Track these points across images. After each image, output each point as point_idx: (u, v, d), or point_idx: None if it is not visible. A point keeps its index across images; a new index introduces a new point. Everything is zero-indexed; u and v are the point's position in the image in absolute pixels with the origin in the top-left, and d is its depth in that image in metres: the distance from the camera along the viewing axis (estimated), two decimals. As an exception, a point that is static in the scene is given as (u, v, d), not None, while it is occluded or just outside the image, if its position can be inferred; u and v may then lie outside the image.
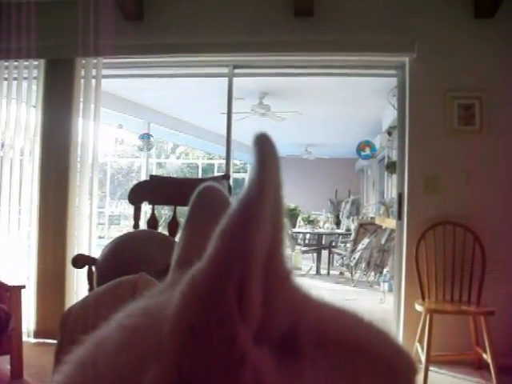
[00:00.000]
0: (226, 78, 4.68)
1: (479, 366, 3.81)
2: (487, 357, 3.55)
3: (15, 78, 4.69)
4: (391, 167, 6.92)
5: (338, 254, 10.10)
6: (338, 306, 0.41)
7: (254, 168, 0.34)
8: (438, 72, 4.19)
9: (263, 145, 0.35)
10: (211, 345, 0.32)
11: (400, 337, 4.16)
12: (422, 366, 3.49)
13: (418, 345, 3.81)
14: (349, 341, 0.38)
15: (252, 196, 0.33)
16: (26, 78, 4.68)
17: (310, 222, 11.20)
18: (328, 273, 9.72)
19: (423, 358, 3.55)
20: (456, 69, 4.17)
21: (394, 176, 5.76)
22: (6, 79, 4.72)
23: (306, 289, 0.41)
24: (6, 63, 4.69)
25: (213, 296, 0.32)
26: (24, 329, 3.94)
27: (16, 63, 4.67)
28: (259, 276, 0.33)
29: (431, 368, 3.67)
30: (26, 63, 4.65)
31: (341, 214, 13.29)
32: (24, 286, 3.60)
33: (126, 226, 13.37)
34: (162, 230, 3.90)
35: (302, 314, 0.37)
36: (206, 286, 0.32)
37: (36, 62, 4.63)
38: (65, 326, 1.20)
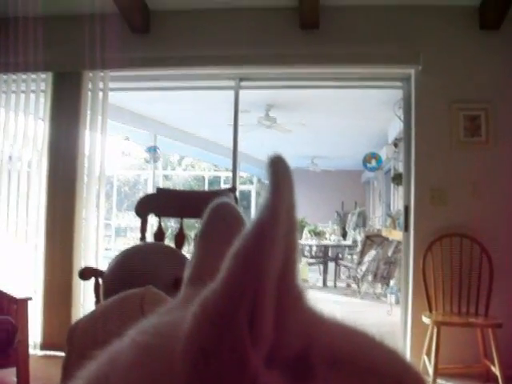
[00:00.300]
0: (233, 91, 4.71)
1: (487, 379, 3.78)
2: (495, 369, 3.52)
3: (23, 91, 4.73)
4: (397, 179, 6.91)
5: (345, 266, 10.07)
6: (349, 325, 0.41)
7: (268, 190, 0.34)
8: (444, 83, 4.20)
9: (277, 166, 0.35)
10: (223, 368, 0.32)
11: (407, 349, 4.14)
12: (430, 379, 3.47)
13: (425, 357, 3.79)
14: (361, 361, 0.37)
15: (265, 219, 0.33)
16: (33, 91, 4.72)
17: (317, 233, 11.18)
18: (335, 285, 9.69)
19: (431, 370, 3.53)
20: (461, 80, 4.18)
21: (401, 188, 5.75)
22: (14, 92, 4.76)
23: (318, 308, 0.41)
24: (14, 76, 4.73)
25: (225, 319, 0.32)
26: (30, 341, 3.94)
27: (24, 76, 4.71)
28: (272, 299, 0.33)
29: (439, 381, 3.64)
30: (34, 76, 4.69)
31: (347, 225, 13.26)
32: (31, 298, 3.60)
33: (133, 238, 13.38)
34: (169, 242, 3.91)
35: (314, 334, 0.37)
36: (218, 309, 0.32)
37: (44, 75, 4.67)
38: (72, 339, 1.20)
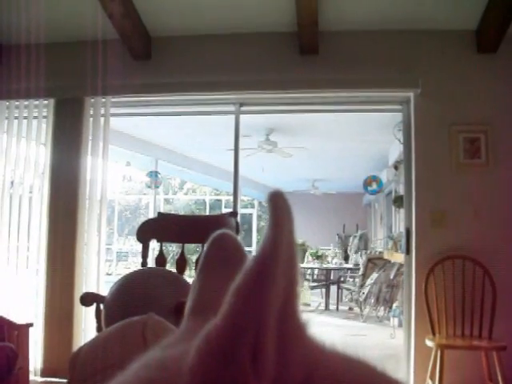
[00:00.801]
0: (233, 116, 4.74)
1: (493, 403, 3.74)
2: (500, 393, 3.49)
3: (25, 117, 4.76)
4: (398, 201, 6.91)
5: (347, 289, 10.02)
6: (351, 355, 0.41)
7: (268, 226, 0.34)
8: (443, 106, 4.23)
9: (277, 202, 0.36)
10: None
11: (411, 373, 4.10)
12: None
13: (429, 381, 3.75)
14: None
15: (266, 255, 0.33)
16: (35, 117, 4.75)
17: (318, 257, 11.15)
18: (337, 308, 9.63)
19: (435, 394, 3.50)
20: (460, 103, 4.21)
21: (402, 210, 5.75)
22: (16, 118, 4.79)
23: (321, 339, 0.41)
24: (17, 103, 4.77)
25: (227, 354, 0.32)
26: (31, 367, 3.92)
27: (26, 103, 4.75)
28: (274, 334, 0.33)
29: (443, 405, 3.60)
30: (36, 102, 4.73)
31: (349, 248, 13.23)
32: (32, 324, 3.59)
33: (134, 263, 13.36)
34: (170, 266, 3.90)
35: (316, 366, 0.37)
36: (221, 344, 0.33)
37: (45, 102, 4.71)
38: (74, 367, 1.19)
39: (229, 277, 0.34)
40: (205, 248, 0.49)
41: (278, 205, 0.36)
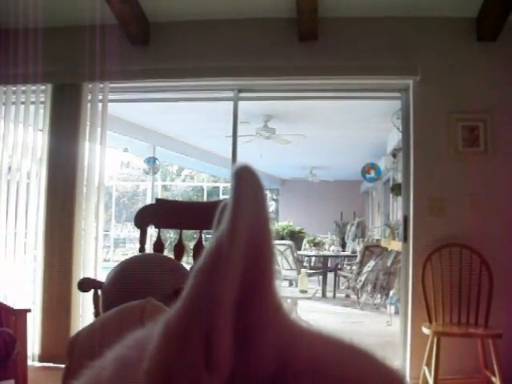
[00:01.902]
0: (231, 102, 4.72)
1: (488, 390, 3.77)
2: (496, 380, 3.51)
3: (23, 102, 4.74)
4: (396, 189, 6.92)
5: (344, 277, 10.06)
6: (333, 336, 0.39)
7: (229, 206, 0.33)
8: (442, 94, 4.22)
9: (239, 179, 0.34)
10: None
11: (407, 360, 4.12)
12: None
13: (425, 368, 3.77)
14: (343, 374, 0.36)
15: (221, 240, 0.32)
16: (33, 103, 4.73)
17: (316, 244, 11.18)
18: (334, 295, 9.67)
19: (431, 381, 3.52)
20: (459, 91, 4.20)
21: (400, 198, 5.76)
22: (13, 103, 4.77)
23: (301, 320, 0.39)
24: (14, 88, 4.74)
25: (181, 340, 0.32)
26: (29, 352, 3.93)
27: (23, 88, 4.72)
28: (230, 321, 0.32)
29: (439, 392, 3.63)
30: (34, 88, 4.70)
31: (346, 236, 13.26)
32: (30, 310, 3.59)
33: (131, 249, 13.37)
34: (168, 253, 3.90)
35: (293, 350, 0.35)
36: (176, 329, 0.32)
37: (43, 87, 4.68)
38: (72, 352, 1.19)
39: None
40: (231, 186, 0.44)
41: (241, 183, 0.34)
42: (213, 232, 0.34)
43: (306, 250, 11.28)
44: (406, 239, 4.33)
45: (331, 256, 10.99)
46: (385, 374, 0.39)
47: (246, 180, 0.34)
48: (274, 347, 0.35)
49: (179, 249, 3.23)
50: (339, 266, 10.70)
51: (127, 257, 3.15)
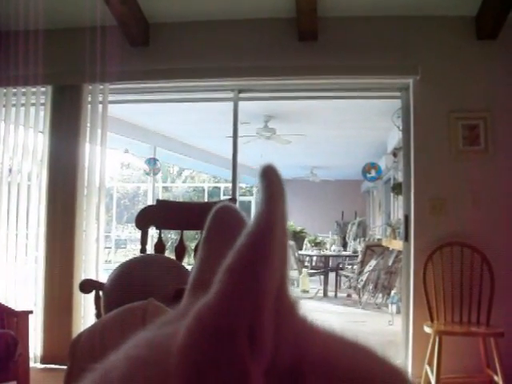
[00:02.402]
0: (232, 102, 4.72)
1: (490, 389, 3.77)
2: (498, 379, 3.51)
3: (23, 104, 4.74)
4: (397, 188, 6.92)
5: (345, 276, 10.06)
6: (345, 336, 0.39)
7: (262, 200, 0.33)
8: (442, 93, 4.21)
9: (270, 177, 0.34)
10: (220, 383, 0.31)
11: (409, 359, 4.12)
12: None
13: (427, 367, 3.77)
14: (355, 373, 0.36)
15: (261, 231, 0.32)
16: (33, 104, 4.73)
17: (317, 244, 11.18)
18: (335, 295, 9.66)
19: (433, 380, 3.52)
20: (460, 90, 4.19)
21: (400, 197, 5.75)
22: (14, 105, 4.77)
23: (313, 318, 0.39)
24: (14, 90, 4.74)
25: (222, 333, 0.31)
26: (31, 354, 3.93)
27: (24, 90, 4.72)
28: (271, 312, 0.33)
29: (441, 391, 3.62)
30: (34, 90, 4.70)
31: (347, 235, 13.26)
32: (31, 312, 3.59)
33: (133, 250, 13.38)
34: (169, 254, 3.90)
35: (307, 346, 0.36)
36: (215, 324, 0.32)
37: (43, 89, 4.69)
38: (74, 353, 1.19)
39: (230, 250, 0.33)
40: (207, 221, 0.47)
41: (272, 180, 0.34)
42: (246, 228, 0.34)
43: (308, 250, 11.28)
44: (407, 238, 4.32)
45: (332, 256, 10.99)
46: (393, 373, 0.40)
47: (274, 178, 0.35)
48: (292, 340, 0.35)
49: (180, 249, 3.24)
50: (340, 266, 10.69)
51: (128, 258, 3.15)
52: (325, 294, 9.58)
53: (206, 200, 15.22)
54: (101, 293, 2.87)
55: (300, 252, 10.82)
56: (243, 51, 4.45)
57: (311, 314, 0.39)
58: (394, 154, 7.44)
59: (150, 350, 0.37)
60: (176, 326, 0.36)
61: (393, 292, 7.70)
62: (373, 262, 8.55)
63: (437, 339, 3.60)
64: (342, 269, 10.53)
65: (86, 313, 4.42)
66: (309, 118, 7.81)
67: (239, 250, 0.32)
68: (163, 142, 9.44)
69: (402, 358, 4.21)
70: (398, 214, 8.32)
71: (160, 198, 13.12)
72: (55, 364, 4.24)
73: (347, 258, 11.30)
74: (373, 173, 9.06)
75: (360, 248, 10.25)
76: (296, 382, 0.34)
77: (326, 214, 14.95)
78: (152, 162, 9.09)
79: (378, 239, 9.93)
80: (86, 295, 3.55)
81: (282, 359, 0.34)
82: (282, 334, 0.34)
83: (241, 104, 4.75)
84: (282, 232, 0.34)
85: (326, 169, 13.46)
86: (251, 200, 15.71)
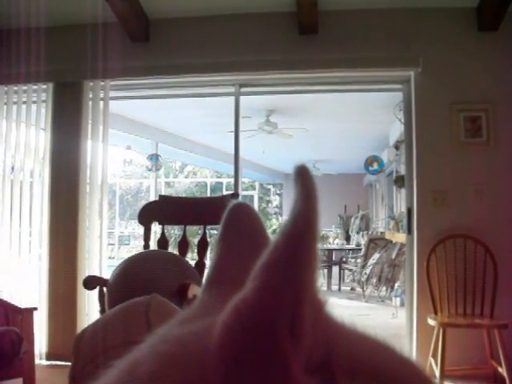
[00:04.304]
0: (233, 97, 4.71)
1: (495, 380, 3.77)
2: (503, 370, 3.51)
3: (24, 102, 4.75)
4: (400, 181, 6.90)
5: (349, 270, 10.06)
6: (368, 334, 0.40)
7: (299, 198, 0.34)
8: (444, 85, 4.20)
9: (305, 176, 0.35)
10: (263, 378, 0.31)
11: (413, 352, 4.12)
12: (437, 381, 3.46)
13: (431, 359, 3.77)
14: (379, 372, 0.36)
15: (300, 228, 0.33)
16: (34, 102, 4.73)
17: (320, 238, 11.16)
18: (339, 289, 9.67)
19: (437, 372, 3.52)
20: (461, 82, 4.18)
21: (403, 190, 5.75)
22: (15, 103, 4.77)
23: (338, 316, 0.40)
24: (16, 87, 4.75)
25: (264, 330, 0.31)
26: (36, 351, 3.94)
27: (25, 87, 4.72)
28: (310, 307, 0.33)
29: (446, 383, 3.63)
30: (35, 87, 4.70)
31: (350, 229, 13.25)
32: (36, 309, 3.60)
33: (136, 246, 13.39)
34: (172, 249, 3.91)
35: (334, 343, 0.36)
36: (256, 320, 0.32)
37: (44, 86, 4.69)
38: (78, 349, 1.20)
39: (246, 248, 0.33)
40: (222, 219, 0.48)
41: (307, 179, 0.35)
42: (283, 224, 0.34)
43: (311, 244, 11.25)
44: (410, 231, 4.32)
45: (336, 249, 11.00)
46: (417, 373, 0.40)
47: (309, 178, 0.35)
48: (322, 337, 0.35)
49: (183, 245, 3.24)
50: (344, 260, 10.70)
51: (132, 254, 3.15)
52: (328, 288, 9.59)
53: (208, 195, 15.23)
54: (104, 289, 2.87)
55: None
56: (244, 46, 4.44)
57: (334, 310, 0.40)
58: (396, 147, 7.43)
59: (181, 346, 0.36)
60: (206, 323, 0.36)
61: (396, 285, 7.71)
62: (376, 255, 8.55)
63: (441, 331, 3.61)
64: (345, 262, 10.53)
65: (90, 309, 4.43)
66: (310, 112, 7.79)
67: (278, 247, 0.33)
68: (165, 138, 9.43)
69: (407, 350, 4.20)
70: (400, 206, 8.32)
71: (163, 193, 13.13)
72: (60, 361, 4.26)
73: (350, 252, 11.30)
74: (375, 166, 9.04)
75: (363, 241, 10.25)
76: (325, 377, 0.34)
77: (328, 207, 14.92)
78: (154, 157, 9.09)
79: (381, 232, 9.93)
80: (90, 292, 3.56)
81: (315, 355, 0.34)
82: (316, 330, 0.34)
83: (242, 98, 4.74)
84: (317, 230, 0.35)
85: (328, 162, 13.44)
86: (254, 195, 15.71)
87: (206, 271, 0.47)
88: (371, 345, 0.39)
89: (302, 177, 0.35)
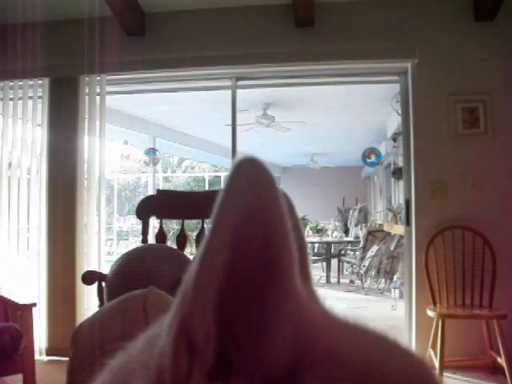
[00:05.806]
0: (230, 91, 4.70)
1: (494, 371, 3.78)
2: (501, 360, 3.52)
3: (20, 98, 4.73)
4: (397, 173, 6.91)
5: (348, 262, 10.08)
6: (358, 326, 0.38)
7: (213, 214, 0.33)
8: (441, 76, 4.20)
9: (234, 172, 0.34)
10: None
11: (412, 343, 4.13)
12: (436, 372, 3.46)
13: (431, 350, 3.78)
14: (366, 368, 0.34)
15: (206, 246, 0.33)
16: (31, 97, 4.72)
17: (319, 230, 11.17)
18: (338, 281, 9.69)
19: (437, 363, 3.53)
20: (458, 73, 4.18)
21: (401, 182, 5.75)
22: (11, 99, 4.76)
23: (327, 307, 0.39)
24: (11, 83, 4.73)
25: (177, 346, 0.33)
26: (36, 347, 3.95)
27: (21, 83, 4.71)
28: (208, 311, 0.33)
29: (445, 374, 3.64)
30: (31, 82, 4.69)
31: (349, 221, 13.26)
32: (35, 304, 3.60)
33: (135, 241, 13.39)
34: (171, 243, 3.90)
35: (310, 340, 0.34)
36: (175, 333, 0.33)
37: (40, 81, 4.67)
38: (76, 343, 1.20)
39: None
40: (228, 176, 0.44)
41: (236, 176, 0.34)
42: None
43: (309, 237, 11.26)
44: (408, 223, 4.32)
45: (334, 242, 11.01)
46: (411, 364, 0.38)
47: (243, 172, 0.33)
48: (290, 339, 0.34)
49: (182, 239, 3.23)
50: (342, 252, 10.70)
51: (130, 249, 3.15)
52: (327, 281, 9.60)
53: (206, 189, 15.22)
54: (103, 284, 2.87)
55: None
56: (240, 38, 4.43)
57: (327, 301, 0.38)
58: (394, 139, 7.42)
59: (145, 352, 0.38)
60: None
61: (395, 277, 7.72)
62: (375, 248, 8.56)
63: (440, 323, 3.61)
64: (344, 255, 10.54)
65: (89, 304, 4.44)
66: (308, 105, 7.79)
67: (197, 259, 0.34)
68: (162, 132, 9.42)
69: (406, 342, 4.21)
70: (398, 198, 8.32)
71: (161, 188, 13.12)
72: (60, 356, 4.26)
73: (349, 244, 11.30)
74: (373, 158, 9.05)
75: (362, 234, 10.26)
76: (292, 382, 0.33)
77: (327, 200, 14.95)
78: (151, 151, 9.08)
79: (380, 224, 9.92)
80: (89, 287, 3.55)
81: (281, 356, 0.33)
82: (281, 329, 0.33)
83: (239, 92, 4.73)
84: (253, 229, 0.34)
85: (326, 155, 13.44)
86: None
87: None
88: (358, 336, 0.38)
89: (233, 172, 0.34)
